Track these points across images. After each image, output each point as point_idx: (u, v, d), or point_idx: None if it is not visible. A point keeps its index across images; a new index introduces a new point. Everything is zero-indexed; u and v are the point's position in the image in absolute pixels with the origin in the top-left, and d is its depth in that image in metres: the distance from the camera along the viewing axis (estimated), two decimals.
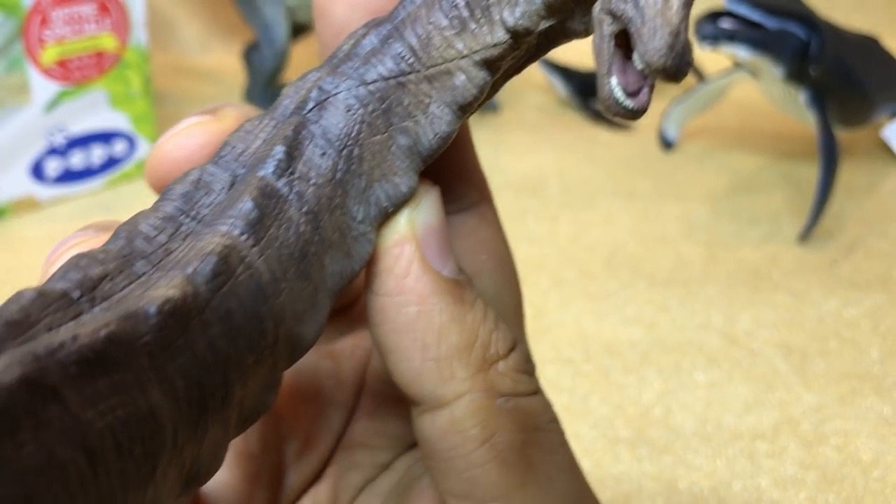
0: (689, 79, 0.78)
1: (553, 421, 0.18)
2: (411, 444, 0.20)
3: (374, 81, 0.16)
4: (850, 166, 0.64)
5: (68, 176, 0.56)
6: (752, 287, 0.51)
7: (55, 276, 0.13)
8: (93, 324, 0.11)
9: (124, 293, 0.13)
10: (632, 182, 0.63)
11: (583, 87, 0.75)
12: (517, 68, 0.17)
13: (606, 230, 0.56)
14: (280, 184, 0.14)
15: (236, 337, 0.13)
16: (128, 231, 0.14)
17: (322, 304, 0.15)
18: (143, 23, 0.56)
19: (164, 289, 0.12)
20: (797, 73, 0.57)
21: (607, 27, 0.15)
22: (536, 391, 0.17)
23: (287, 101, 0.16)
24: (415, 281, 0.16)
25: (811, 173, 0.59)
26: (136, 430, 0.11)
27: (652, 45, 0.14)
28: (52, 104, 0.54)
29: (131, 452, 0.11)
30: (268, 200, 0.14)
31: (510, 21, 0.16)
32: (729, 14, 0.56)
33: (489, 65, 0.16)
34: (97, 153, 0.57)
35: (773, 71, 0.57)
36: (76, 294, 0.12)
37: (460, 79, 0.16)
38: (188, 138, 0.16)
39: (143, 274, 0.13)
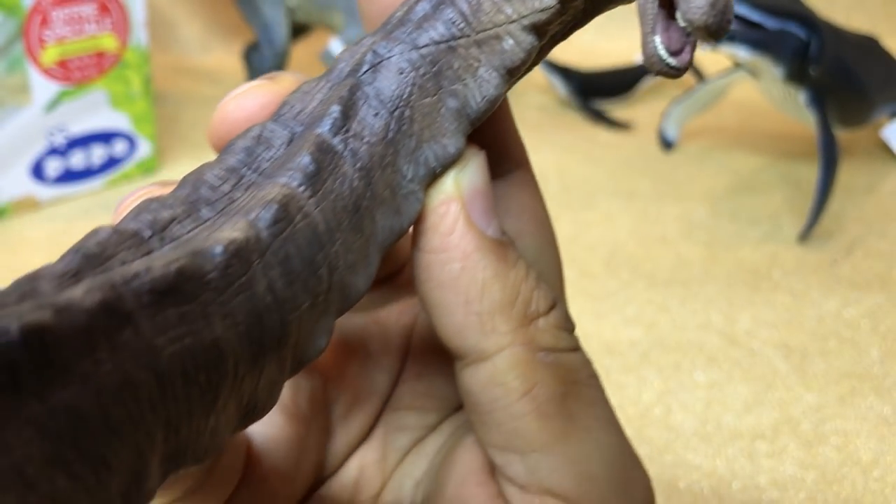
0: (689, 79, 0.78)
1: (592, 376, 0.18)
2: (457, 406, 0.21)
3: (426, 46, 0.16)
4: (849, 166, 0.64)
5: (68, 176, 0.56)
6: (752, 287, 0.51)
7: (128, 217, 0.14)
8: (164, 259, 0.12)
9: (191, 235, 0.14)
10: (632, 182, 0.63)
11: (583, 87, 0.75)
12: (563, 34, 0.18)
13: (606, 230, 0.57)
14: (335, 141, 0.15)
15: (294, 281, 0.14)
16: (194, 180, 0.15)
17: (372, 257, 0.16)
18: (143, 23, 0.56)
19: (228, 231, 0.13)
20: (797, 73, 0.57)
21: None
22: (576, 348, 0.18)
23: (343, 64, 0.16)
24: (459, 238, 0.17)
25: (811, 173, 0.59)
26: (202, 359, 0.12)
27: (694, 3, 0.15)
28: (53, 104, 0.54)
29: (196, 380, 0.12)
30: (324, 155, 0.15)
31: None
32: None
33: (537, 29, 0.17)
34: (97, 153, 0.57)
35: (772, 71, 0.57)
36: (147, 233, 0.13)
37: (509, 43, 0.17)
38: (249, 99, 0.17)
39: (208, 219, 0.14)
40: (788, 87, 0.58)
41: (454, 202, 0.17)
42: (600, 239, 0.55)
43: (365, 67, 0.16)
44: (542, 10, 0.17)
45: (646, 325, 0.47)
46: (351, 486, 0.21)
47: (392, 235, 0.16)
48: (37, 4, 0.51)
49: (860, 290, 0.51)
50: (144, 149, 0.59)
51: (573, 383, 0.17)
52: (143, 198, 0.16)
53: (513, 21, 0.17)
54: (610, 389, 0.19)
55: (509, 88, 0.17)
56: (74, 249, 0.12)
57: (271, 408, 0.14)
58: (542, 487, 0.17)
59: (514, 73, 0.17)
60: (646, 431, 0.39)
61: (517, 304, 0.17)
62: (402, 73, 0.16)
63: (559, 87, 0.75)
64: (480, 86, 0.17)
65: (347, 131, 0.15)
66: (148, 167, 0.60)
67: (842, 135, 0.62)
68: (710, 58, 0.68)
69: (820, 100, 0.58)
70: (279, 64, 0.68)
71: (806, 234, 0.55)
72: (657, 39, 0.16)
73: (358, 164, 0.15)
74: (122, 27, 0.56)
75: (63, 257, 0.12)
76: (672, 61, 0.16)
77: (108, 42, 0.55)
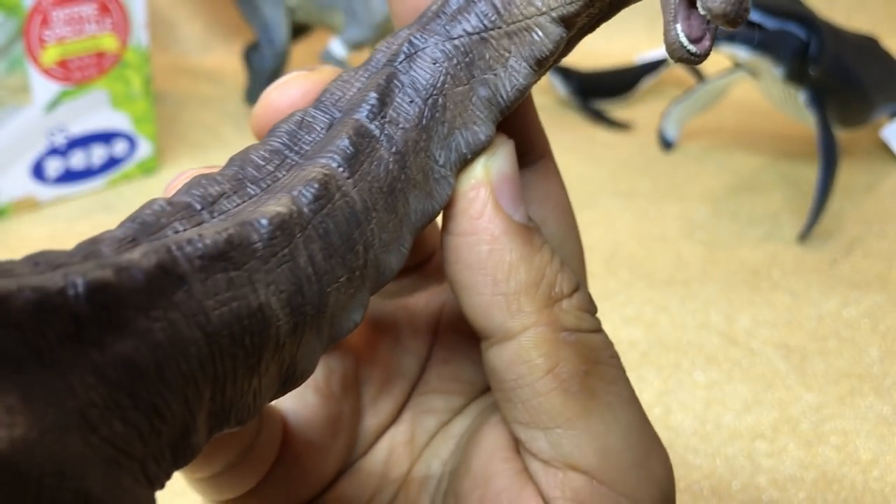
0: (689, 79, 0.79)
1: (614, 357, 0.19)
2: (482, 390, 0.22)
3: (460, 37, 0.17)
4: (849, 166, 0.64)
5: (69, 176, 0.56)
6: (752, 287, 0.51)
7: (180, 191, 0.15)
8: (214, 228, 0.13)
9: (238, 209, 0.15)
10: (632, 182, 0.63)
11: (583, 87, 0.75)
12: (591, 26, 0.19)
13: (606, 230, 0.57)
14: (372, 126, 0.16)
15: (332, 254, 0.15)
16: (241, 160, 0.16)
17: (405, 237, 0.17)
18: (143, 23, 0.56)
19: (273, 205, 0.14)
20: (797, 73, 0.57)
21: None
22: (598, 329, 0.18)
23: (380, 54, 0.17)
24: (487, 222, 0.17)
25: (811, 173, 0.59)
26: (247, 322, 0.13)
27: None
28: (53, 104, 0.54)
29: (242, 342, 0.13)
30: (362, 139, 0.16)
31: None
32: None
33: (566, 21, 0.17)
34: (98, 153, 0.57)
35: (772, 71, 0.57)
36: (198, 206, 0.14)
37: (538, 34, 0.17)
38: (292, 87, 0.18)
39: (254, 195, 0.15)
40: (788, 87, 0.58)
41: (483, 187, 0.17)
42: (600, 239, 0.55)
43: (401, 57, 0.17)
44: (571, 3, 0.17)
45: (645, 324, 0.47)
46: (381, 466, 0.21)
47: (424, 217, 0.17)
48: (37, 4, 0.51)
49: (860, 289, 0.51)
50: (144, 149, 0.59)
51: (595, 362, 0.18)
52: (192, 176, 0.17)
53: (542, 13, 0.17)
54: None
55: (538, 79, 0.18)
56: (132, 218, 0.14)
57: (309, 375, 0.15)
58: (566, 462, 0.18)
59: (542, 64, 0.18)
60: None
61: (542, 285, 0.18)
62: (436, 63, 0.17)
63: (559, 87, 0.75)
64: (510, 76, 0.17)
65: (384, 117, 0.16)
66: (148, 167, 0.60)
67: (842, 135, 0.62)
68: (710, 58, 0.68)
69: (820, 100, 0.58)
70: (279, 64, 0.68)
71: (806, 234, 0.55)
72: (678, 27, 0.16)
73: (393, 149, 0.16)
74: (122, 27, 0.56)
75: (121, 225, 0.14)
76: (693, 48, 0.16)
77: (109, 42, 0.55)
